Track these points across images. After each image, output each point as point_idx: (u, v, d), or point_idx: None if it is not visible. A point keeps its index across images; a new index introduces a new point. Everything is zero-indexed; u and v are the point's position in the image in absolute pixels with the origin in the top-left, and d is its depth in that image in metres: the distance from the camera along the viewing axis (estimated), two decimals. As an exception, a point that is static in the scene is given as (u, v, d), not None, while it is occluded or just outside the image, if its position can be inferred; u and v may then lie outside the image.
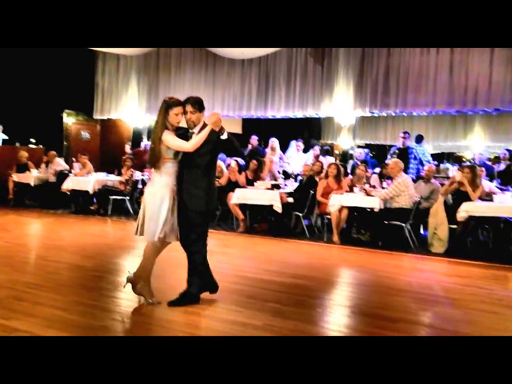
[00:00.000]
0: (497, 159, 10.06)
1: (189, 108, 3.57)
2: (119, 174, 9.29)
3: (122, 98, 11.39)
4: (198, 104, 3.59)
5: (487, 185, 6.76)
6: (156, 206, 3.56)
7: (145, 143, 11.06)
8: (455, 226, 6.14)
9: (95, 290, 4.10)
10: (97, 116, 11.84)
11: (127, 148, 10.98)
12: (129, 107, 11.26)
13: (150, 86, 10.99)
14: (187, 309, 3.65)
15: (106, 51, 10.68)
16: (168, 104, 3.56)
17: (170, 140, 3.52)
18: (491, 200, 6.27)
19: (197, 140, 3.52)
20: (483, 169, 7.38)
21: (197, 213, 3.64)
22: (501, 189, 7.24)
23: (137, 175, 9.06)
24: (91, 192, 8.79)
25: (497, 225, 6.35)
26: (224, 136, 3.53)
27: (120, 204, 9.00)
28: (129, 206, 8.84)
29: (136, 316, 3.51)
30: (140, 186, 8.92)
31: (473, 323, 3.55)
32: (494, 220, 6.22)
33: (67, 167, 9.93)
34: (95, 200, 8.98)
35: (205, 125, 3.59)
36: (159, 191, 3.59)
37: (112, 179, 9.21)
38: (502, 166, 8.58)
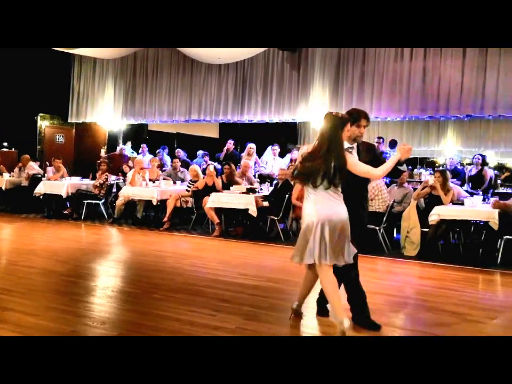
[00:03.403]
0: (469, 164, 10.33)
1: (365, 122, 3.38)
2: (94, 178, 9.18)
3: (98, 102, 11.27)
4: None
5: (456, 189, 6.93)
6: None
7: (121, 147, 10.96)
8: (427, 229, 6.27)
9: (67, 295, 4.05)
10: (72, 120, 11.67)
11: (102, 152, 10.85)
12: (105, 111, 11.15)
13: (126, 90, 10.91)
14: (158, 312, 3.63)
15: (82, 54, 10.55)
16: (346, 120, 3.21)
17: (358, 165, 3.23)
18: (462, 203, 6.43)
19: (388, 167, 3.21)
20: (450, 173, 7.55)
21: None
22: (472, 193, 7.43)
23: (112, 179, 8.97)
24: (64, 196, 8.66)
25: (468, 228, 6.51)
26: (403, 168, 3.35)
27: (95, 208, 8.89)
28: (103, 210, 8.73)
29: (109, 320, 3.46)
30: (114, 190, 8.83)
31: (445, 325, 3.61)
32: (464, 223, 6.37)
33: (41, 171, 9.76)
34: (68, 204, 8.85)
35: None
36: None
37: (86, 183, 9.10)
38: (474, 171, 8.80)
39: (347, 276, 3.41)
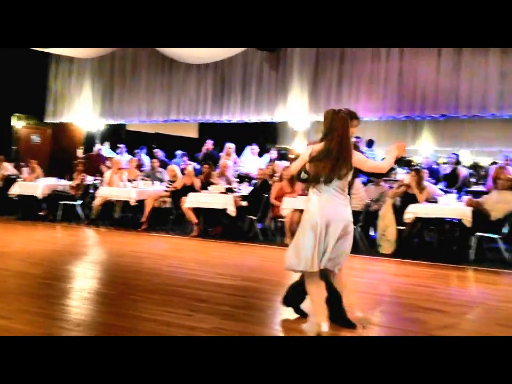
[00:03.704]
0: (444, 163, 10.52)
1: (357, 122, 3.44)
2: (71, 178, 9.05)
3: (75, 102, 11.09)
4: None
5: (431, 188, 7.06)
6: None
7: (98, 147, 10.83)
8: (403, 227, 6.37)
9: (42, 297, 3.98)
10: (48, 120, 11.47)
11: (79, 152, 10.69)
12: (82, 111, 10.98)
13: (104, 89, 10.77)
14: (135, 313, 3.60)
15: (59, 53, 10.38)
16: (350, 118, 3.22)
17: (367, 161, 3.25)
18: (436, 202, 6.55)
19: (390, 162, 3.25)
20: (426, 171, 7.69)
21: None
22: (446, 192, 7.58)
23: (89, 180, 8.86)
24: (40, 197, 8.52)
25: (442, 226, 6.64)
26: (394, 166, 3.43)
27: (71, 209, 8.75)
28: (80, 211, 8.61)
29: (85, 323, 3.43)
30: (91, 191, 8.72)
31: (420, 321, 3.67)
32: (439, 221, 6.50)
33: (16, 172, 9.57)
34: (44, 205, 8.70)
35: None
36: None
37: (63, 184, 8.97)
38: (448, 170, 8.98)
39: (327, 275, 3.44)
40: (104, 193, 8.11)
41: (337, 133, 3.12)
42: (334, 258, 3.16)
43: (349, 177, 3.20)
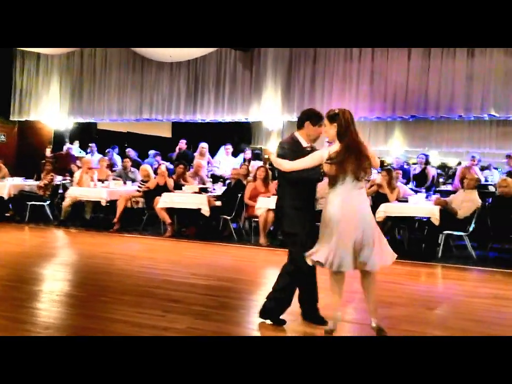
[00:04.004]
0: (414, 163, 10.76)
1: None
2: (39, 178, 8.80)
3: (42, 99, 10.77)
4: None
5: (402, 188, 7.20)
6: None
7: (68, 146, 10.57)
8: (374, 226, 6.47)
9: (8, 300, 3.86)
10: (14, 118, 11.11)
11: (48, 152, 10.41)
12: (50, 109, 10.69)
13: (73, 86, 10.51)
14: (106, 315, 3.53)
15: (25, 49, 10.08)
16: None
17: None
18: (406, 201, 6.69)
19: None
20: (400, 172, 7.86)
21: None
22: (416, 191, 7.75)
23: (58, 180, 8.63)
24: (6, 197, 8.25)
25: (412, 224, 6.79)
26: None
27: (39, 210, 8.51)
28: (48, 211, 8.38)
29: (54, 325, 3.33)
30: (60, 191, 8.51)
31: (390, 317, 3.75)
32: (409, 220, 6.64)
33: (-20, 172, 9.24)
34: (10, 206, 8.43)
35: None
36: None
37: (30, 184, 8.71)
38: (418, 169, 9.18)
39: (312, 273, 3.46)
40: (74, 193, 7.92)
41: (353, 131, 3.19)
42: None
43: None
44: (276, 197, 3.69)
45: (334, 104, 8.74)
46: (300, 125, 3.44)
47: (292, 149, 3.34)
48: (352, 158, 3.13)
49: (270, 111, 9.04)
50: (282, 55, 8.97)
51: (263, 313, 3.48)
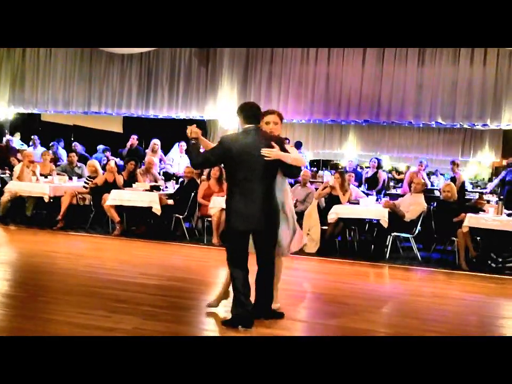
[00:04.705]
0: (367, 167, 11.02)
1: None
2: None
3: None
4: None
5: (354, 190, 7.33)
6: None
7: (8, 138, 9.95)
8: (326, 227, 6.54)
9: None
10: None
11: (-14, 144, 9.77)
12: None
13: (14, 74, 9.87)
14: (46, 316, 3.31)
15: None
16: None
17: None
18: (358, 203, 6.81)
19: None
20: (352, 175, 8.00)
21: None
22: (367, 194, 7.91)
23: (-2, 173, 8.12)
24: None
25: (363, 226, 6.92)
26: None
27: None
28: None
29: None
30: (-1, 185, 7.98)
31: (338, 315, 3.78)
32: (359, 221, 6.76)
33: None
34: None
35: None
36: None
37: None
38: (370, 173, 9.40)
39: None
40: (14, 188, 7.44)
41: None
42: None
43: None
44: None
45: (290, 105, 8.77)
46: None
47: None
48: None
49: (226, 109, 8.95)
50: (239, 54, 8.91)
51: (256, 311, 3.40)
